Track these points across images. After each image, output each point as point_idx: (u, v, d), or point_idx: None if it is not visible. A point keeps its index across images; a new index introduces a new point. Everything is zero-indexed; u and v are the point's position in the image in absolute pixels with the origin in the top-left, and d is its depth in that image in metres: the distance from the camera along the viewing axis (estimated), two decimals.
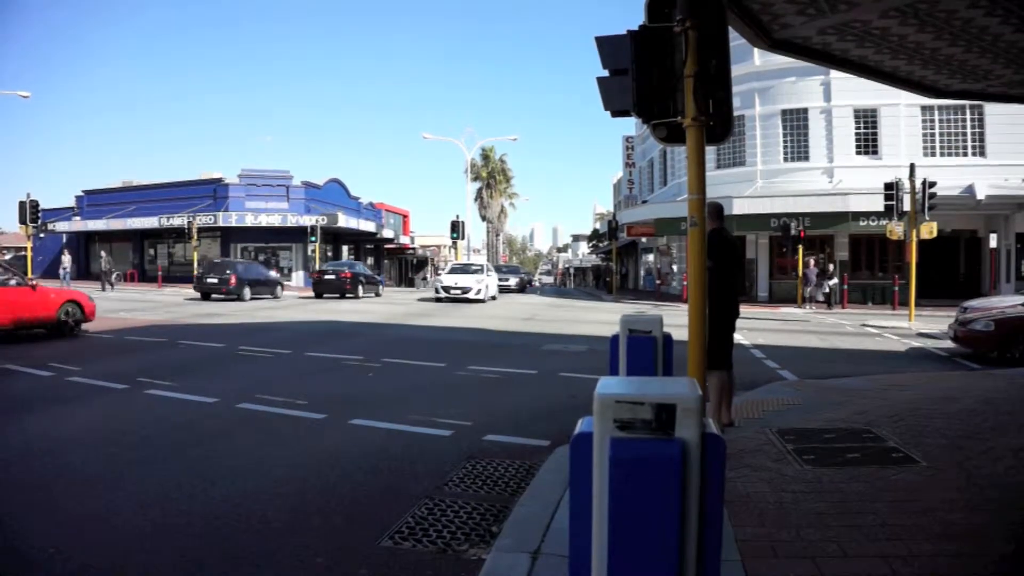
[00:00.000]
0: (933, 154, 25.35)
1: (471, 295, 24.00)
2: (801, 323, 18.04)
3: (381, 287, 30.97)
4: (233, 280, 23.44)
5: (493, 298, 24.88)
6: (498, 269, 44.87)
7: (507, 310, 22.23)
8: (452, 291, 23.83)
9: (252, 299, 24.02)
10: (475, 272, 25.93)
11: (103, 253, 31.31)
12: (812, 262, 23.86)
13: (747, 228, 25.51)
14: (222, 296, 23.44)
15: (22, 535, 3.53)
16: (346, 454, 5.05)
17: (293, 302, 24.07)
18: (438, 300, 24.12)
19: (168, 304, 21.38)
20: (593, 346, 11.94)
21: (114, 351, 10.43)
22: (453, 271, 26.57)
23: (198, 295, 24.06)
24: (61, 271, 28.82)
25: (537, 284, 66.16)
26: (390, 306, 22.85)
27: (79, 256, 39.13)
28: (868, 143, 26.38)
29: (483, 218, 64.01)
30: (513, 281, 40.22)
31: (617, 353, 4.21)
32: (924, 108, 25.18)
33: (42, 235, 32.16)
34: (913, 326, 16.27)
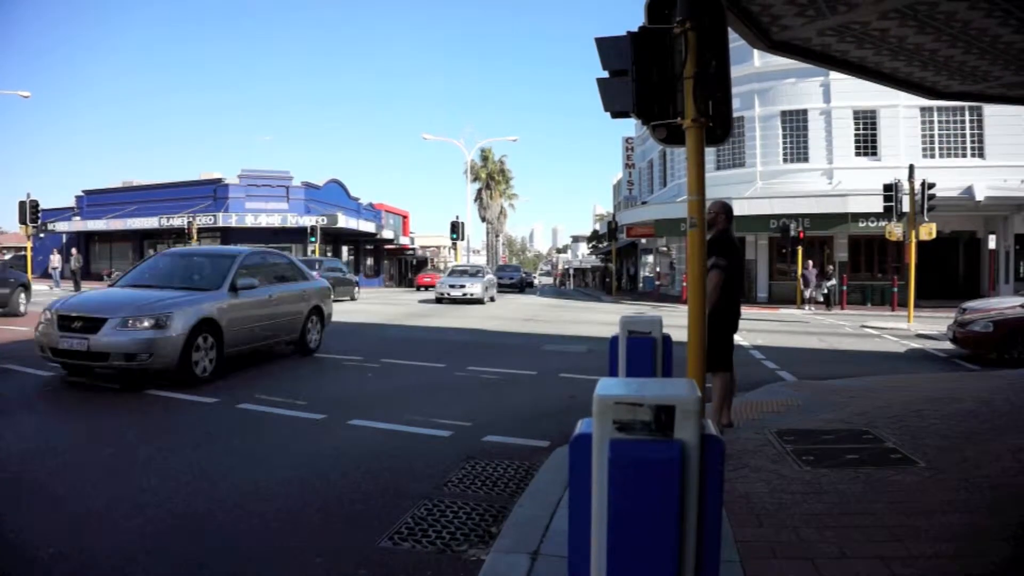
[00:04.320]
0: (932, 155, 25.38)
1: (472, 295, 25.55)
2: (800, 324, 18.05)
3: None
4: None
5: (492, 299, 27.37)
6: (501, 269, 46.59)
7: (506, 310, 22.24)
8: (453, 293, 25.57)
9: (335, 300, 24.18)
10: (475, 275, 27.64)
11: (73, 251, 30.94)
12: (811, 264, 23.89)
13: (747, 229, 25.51)
14: None
15: (21, 535, 3.53)
16: (345, 454, 5.05)
17: None
18: (439, 301, 25.55)
19: None
20: (592, 347, 11.94)
21: None
22: (453, 273, 28.63)
23: None
24: (51, 271, 28.80)
25: (537, 284, 65.75)
26: (390, 307, 22.85)
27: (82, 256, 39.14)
28: (867, 144, 26.41)
29: (483, 219, 63.99)
30: (515, 280, 42.11)
31: (616, 354, 4.21)
32: (923, 109, 25.22)
33: (42, 235, 32.12)
34: (912, 327, 16.28)
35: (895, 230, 19.11)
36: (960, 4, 5.19)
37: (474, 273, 27.54)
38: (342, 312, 19.58)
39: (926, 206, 17.49)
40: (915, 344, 13.57)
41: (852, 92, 24.81)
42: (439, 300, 25.17)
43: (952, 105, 24.32)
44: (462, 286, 25.16)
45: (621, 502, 1.51)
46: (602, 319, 18.60)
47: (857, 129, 26.47)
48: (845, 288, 24.08)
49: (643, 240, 39.05)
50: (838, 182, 26.01)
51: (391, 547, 3.42)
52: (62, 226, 39.33)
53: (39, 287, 28.03)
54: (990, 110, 24.13)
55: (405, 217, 60.00)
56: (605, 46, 4.51)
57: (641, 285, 43.11)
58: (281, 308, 9.36)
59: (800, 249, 23.83)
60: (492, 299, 27.31)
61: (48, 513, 3.84)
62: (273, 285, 9.35)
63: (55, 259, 29.65)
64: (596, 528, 1.58)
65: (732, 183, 27.27)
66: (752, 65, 26.30)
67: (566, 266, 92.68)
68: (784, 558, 3.10)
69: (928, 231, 18.25)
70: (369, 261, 49.89)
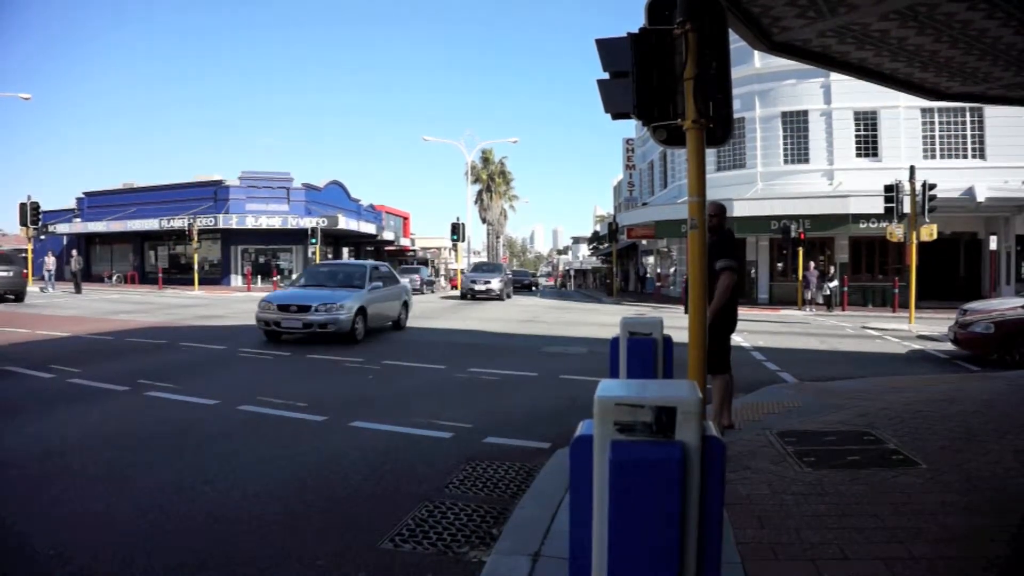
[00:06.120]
0: (933, 156, 25.37)
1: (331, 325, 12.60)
2: (801, 325, 18.03)
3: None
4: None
5: (397, 325, 15.69)
6: (476, 269, 34.22)
7: (507, 312, 22.23)
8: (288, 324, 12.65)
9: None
10: (352, 283, 15.12)
11: (74, 253, 30.95)
12: (812, 265, 23.89)
13: (747, 230, 25.49)
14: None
15: (23, 536, 3.53)
16: (346, 456, 5.05)
17: None
18: (269, 337, 12.88)
19: None
20: (593, 348, 11.93)
21: (115, 353, 10.43)
22: (312, 278, 15.80)
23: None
24: (45, 272, 28.83)
25: (538, 286, 64.72)
26: None
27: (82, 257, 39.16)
28: (868, 145, 26.40)
29: (483, 220, 63.96)
30: (495, 283, 28.81)
31: (617, 355, 4.21)
32: (924, 110, 25.21)
33: (43, 237, 32.19)
34: (913, 328, 16.27)
35: (896, 231, 19.09)
36: (960, 5, 5.19)
37: (351, 279, 14.07)
38: None
39: (927, 207, 17.48)
40: (916, 345, 13.56)
41: (853, 93, 24.79)
42: (269, 335, 12.48)
43: (953, 106, 24.30)
44: (307, 308, 12.05)
45: (622, 503, 1.50)
46: (602, 320, 18.58)
47: (858, 130, 26.46)
48: (846, 289, 24.06)
49: (644, 241, 39.03)
50: (839, 183, 26.00)
51: (392, 549, 3.42)
52: (63, 228, 39.35)
53: (31, 288, 28.07)
54: (991, 111, 24.11)
55: (406, 219, 60.06)
56: (606, 47, 4.51)
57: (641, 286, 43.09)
58: None
59: (801, 250, 23.82)
60: (398, 325, 15.11)
61: (49, 515, 3.84)
62: None
63: (49, 261, 29.69)
64: (597, 529, 1.57)
65: (733, 184, 27.26)
66: (753, 66, 26.30)
67: (567, 267, 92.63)
68: (785, 559, 3.10)
69: (929, 232, 18.22)
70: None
